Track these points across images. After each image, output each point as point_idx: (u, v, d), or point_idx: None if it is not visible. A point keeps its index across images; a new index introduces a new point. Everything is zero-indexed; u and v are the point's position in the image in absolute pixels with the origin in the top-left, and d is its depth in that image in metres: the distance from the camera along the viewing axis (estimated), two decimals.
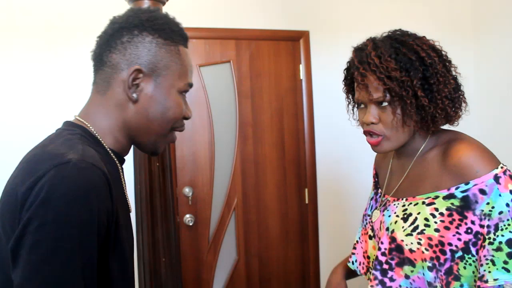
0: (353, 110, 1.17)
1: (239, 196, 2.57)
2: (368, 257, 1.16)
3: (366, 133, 1.04)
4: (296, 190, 2.68)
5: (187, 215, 2.48)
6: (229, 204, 2.56)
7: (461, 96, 1.00)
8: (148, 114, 0.84)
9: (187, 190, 2.48)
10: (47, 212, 0.64)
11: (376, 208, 1.15)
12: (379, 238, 1.07)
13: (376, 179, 1.25)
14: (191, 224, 2.48)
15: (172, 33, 0.86)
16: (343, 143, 2.70)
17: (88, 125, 0.83)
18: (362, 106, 1.05)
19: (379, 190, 1.19)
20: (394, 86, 0.95)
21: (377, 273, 1.01)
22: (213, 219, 2.54)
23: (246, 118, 2.58)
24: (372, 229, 1.13)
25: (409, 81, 0.95)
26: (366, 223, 1.19)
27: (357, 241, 1.24)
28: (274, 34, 2.60)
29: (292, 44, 2.65)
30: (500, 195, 0.89)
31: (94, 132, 0.83)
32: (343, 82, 1.14)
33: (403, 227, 0.99)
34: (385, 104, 0.99)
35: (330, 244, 2.73)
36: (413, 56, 0.96)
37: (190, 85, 0.90)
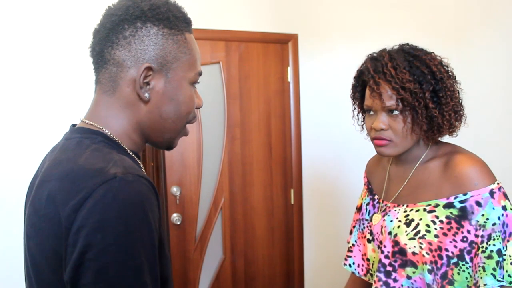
0: (358, 116, 1.22)
1: (226, 195, 2.60)
2: (368, 260, 1.21)
3: (374, 138, 1.10)
4: (282, 190, 2.73)
5: (175, 214, 2.49)
6: (216, 204, 2.59)
7: (462, 110, 1.07)
8: (161, 112, 0.79)
9: (174, 190, 2.49)
10: (106, 236, 0.60)
11: (375, 213, 1.20)
12: (380, 242, 1.13)
13: (369, 186, 1.30)
14: (178, 223, 2.49)
15: (176, 21, 0.79)
16: (329, 145, 2.77)
17: (105, 130, 0.77)
18: (371, 113, 1.10)
19: (376, 196, 1.24)
20: (408, 97, 1.01)
21: (381, 275, 1.07)
22: (200, 218, 2.56)
23: (234, 119, 2.61)
24: (371, 233, 1.19)
25: (421, 93, 1.02)
26: (364, 227, 1.24)
27: (353, 245, 1.29)
28: (263, 37, 2.64)
29: (281, 46, 2.69)
30: (493, 209, 0.97)
31: (113, 137, 0.77)
32: (353, 89, 1.19)
33: (406, 231, 1.05)
34: (396, 112, 1.04)
35: (314, 244, 2.79)
36: (425, 70, 1.03)
37: (200, 74, 0.84)
